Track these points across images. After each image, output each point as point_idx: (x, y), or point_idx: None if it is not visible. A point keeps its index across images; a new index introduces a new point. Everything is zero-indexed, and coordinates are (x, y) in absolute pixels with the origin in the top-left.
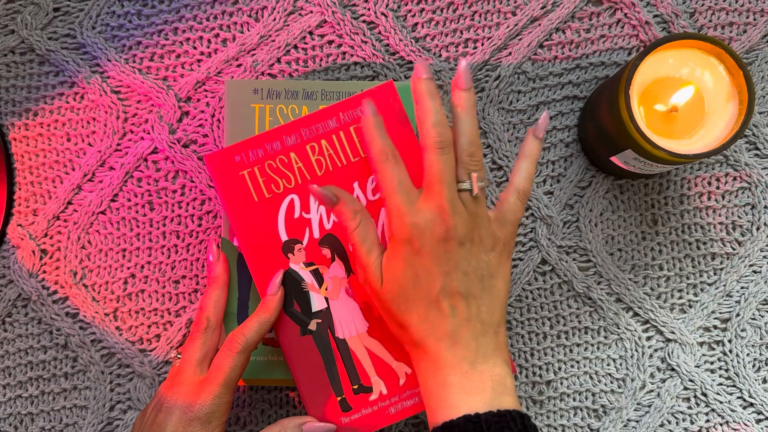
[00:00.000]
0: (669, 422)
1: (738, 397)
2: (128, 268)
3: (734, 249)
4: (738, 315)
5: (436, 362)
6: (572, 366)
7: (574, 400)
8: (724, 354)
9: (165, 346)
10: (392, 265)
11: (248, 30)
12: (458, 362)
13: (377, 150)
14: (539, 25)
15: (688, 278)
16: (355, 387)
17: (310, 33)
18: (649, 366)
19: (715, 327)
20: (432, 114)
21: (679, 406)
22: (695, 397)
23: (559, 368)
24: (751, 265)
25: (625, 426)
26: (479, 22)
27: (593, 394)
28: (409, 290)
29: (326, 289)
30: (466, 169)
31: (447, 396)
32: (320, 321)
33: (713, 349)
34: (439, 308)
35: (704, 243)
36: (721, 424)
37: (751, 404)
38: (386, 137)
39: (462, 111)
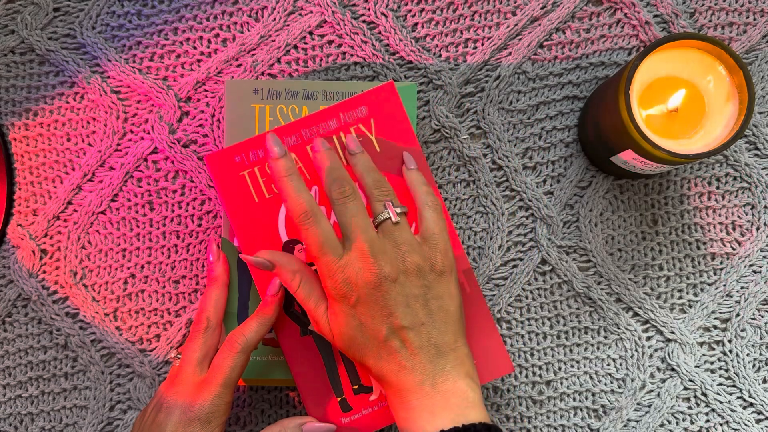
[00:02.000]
0: (669, 422)
1: (738, 397)
2: (128, 268)
3: (734, 249)
4: (738, 315)
5: (399, 390)
6: (572, 366)
7: (574, 400)
8: (724, 354)
9: (165, 346)
10: (336, 320)
11: (248, 30)
12: (418, 386)
13: (296, 209)
14: (539, 25)
15: (688, 278)
16: (356, 387)
17: (310, 33)
18: (649, 366)
19: (715, 327)
20: (329, 170)
21: (679, 406)
22: (695, 397)
23: (559, 368)
24: (751, 265)
25: (625, 426)
26: (479, 22)
27: (593, 394)
28: (358, 338)
29: None
30: (380, 201)
31: (414, 419)
32: None
33: (713, 349)
34: (389, 347)
35: (704, 243)
36: (721, 424)
37: (751, 404)
38: (305, 191)
39: (355, 157)
